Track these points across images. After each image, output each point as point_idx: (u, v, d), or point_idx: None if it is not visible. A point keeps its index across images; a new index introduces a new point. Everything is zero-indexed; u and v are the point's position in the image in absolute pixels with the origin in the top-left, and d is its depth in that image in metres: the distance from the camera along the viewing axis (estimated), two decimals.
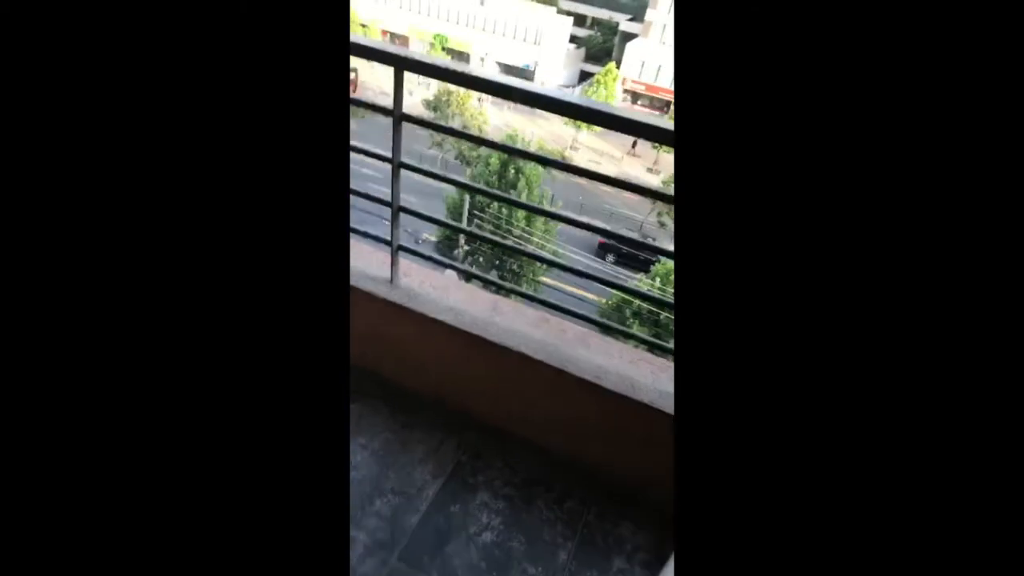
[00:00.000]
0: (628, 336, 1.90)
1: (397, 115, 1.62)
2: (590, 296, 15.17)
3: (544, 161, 1.63)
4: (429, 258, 2.11)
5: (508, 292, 2.27)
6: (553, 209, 11.02)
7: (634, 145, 27.06)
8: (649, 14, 33.64)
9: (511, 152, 1.62)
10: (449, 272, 12.79)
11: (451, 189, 13.85)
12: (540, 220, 13.22)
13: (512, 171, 12.59)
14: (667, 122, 1.38)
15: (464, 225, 12.69)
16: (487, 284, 12.14)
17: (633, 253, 18.70)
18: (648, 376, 1.80)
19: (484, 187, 1.99)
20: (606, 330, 2.06)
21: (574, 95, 1.44)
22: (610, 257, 18.84)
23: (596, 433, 1.86)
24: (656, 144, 25.35)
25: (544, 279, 13.62)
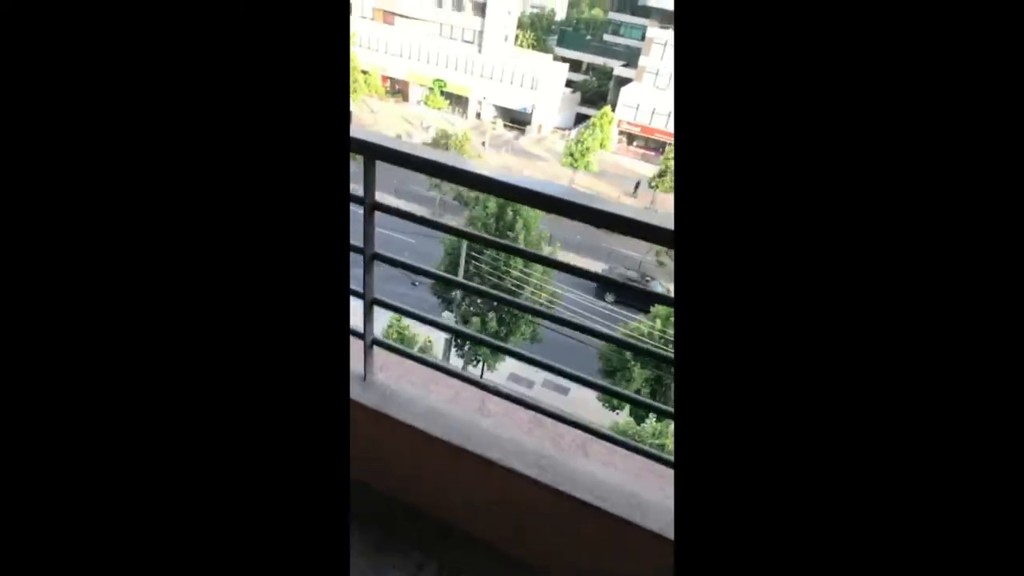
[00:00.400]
0: (633, 449, 1.66)
1: (369, 204, 1.45)
2: (590, 339, 14.88)
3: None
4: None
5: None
6: (549, 251, 10.86)
7: (636, 187, 27.34)
8: (642, 60, 34.79)
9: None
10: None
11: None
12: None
13: (510, 213, 12.56)
14: (658, 219, 1.21)
15: (462, 266, 12.61)
16: (475, 344, 11.99)
17: (634, 292, 18.54)
18: (657, 492, 1.56)
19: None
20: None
21: (559, 188, 1.24)
22: (609, 296, 18.68)
23: (597, 560, 1.60)
24: (654, 183, 25.81)
25: (543, 322, 13.40)
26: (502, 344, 1.98)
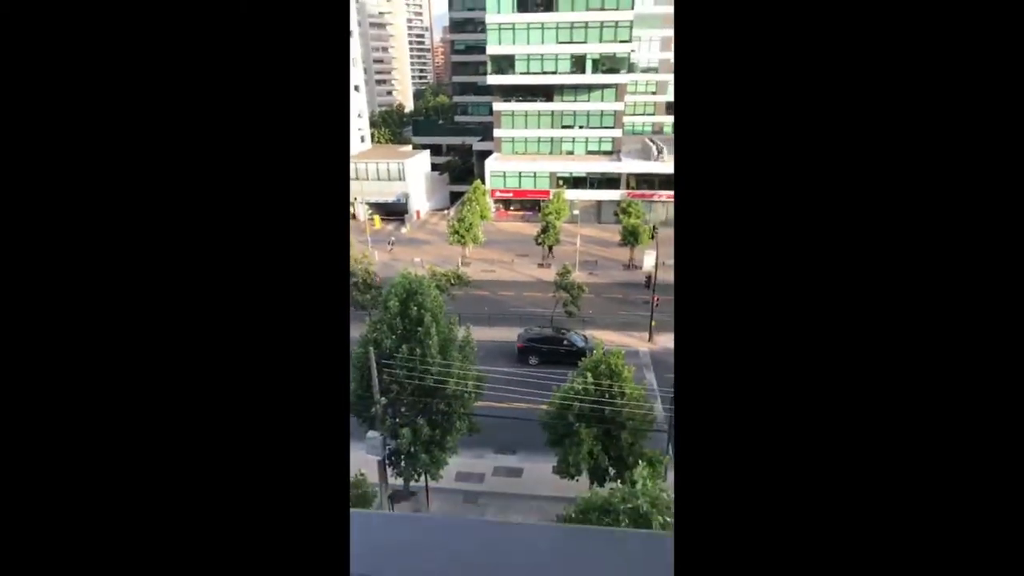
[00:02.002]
0: None
1: None
2: (523, 406, 14.47)
3: None
4: None
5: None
6: (464, 334, 10.46)
7: (550, 253, 28.20)
8: (496, 131, 37.38)
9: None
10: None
11: (351, 342, 12.93)
12: (454, 349, 12.60)
13: (414, 308, 12.04)
14: None
15: (375, 377, 11.70)
16: (410, 456, 10.96)
17: (554, 349, 18.57)
18: None
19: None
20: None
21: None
22: (532, 359, 18.53)
23: None
24: (541, 241, 26.92)
25: (476, 404, 12.70)
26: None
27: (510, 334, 19.98)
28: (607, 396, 11.32)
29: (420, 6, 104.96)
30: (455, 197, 39.13)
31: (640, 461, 9.61)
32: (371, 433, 11.58)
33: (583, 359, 12.25)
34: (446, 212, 36.90)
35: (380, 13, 75.91)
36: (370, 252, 25.80)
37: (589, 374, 11.47)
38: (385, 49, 78.10)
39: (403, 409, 12.19)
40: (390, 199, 35.58)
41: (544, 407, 12.45)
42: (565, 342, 18.76)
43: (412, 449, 11.42)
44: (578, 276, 23.07)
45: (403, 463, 11.92)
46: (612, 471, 11.57)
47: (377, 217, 35.17)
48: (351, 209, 35.56)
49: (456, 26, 49.40)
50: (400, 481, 12.54)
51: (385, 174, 35.49)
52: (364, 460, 11.74)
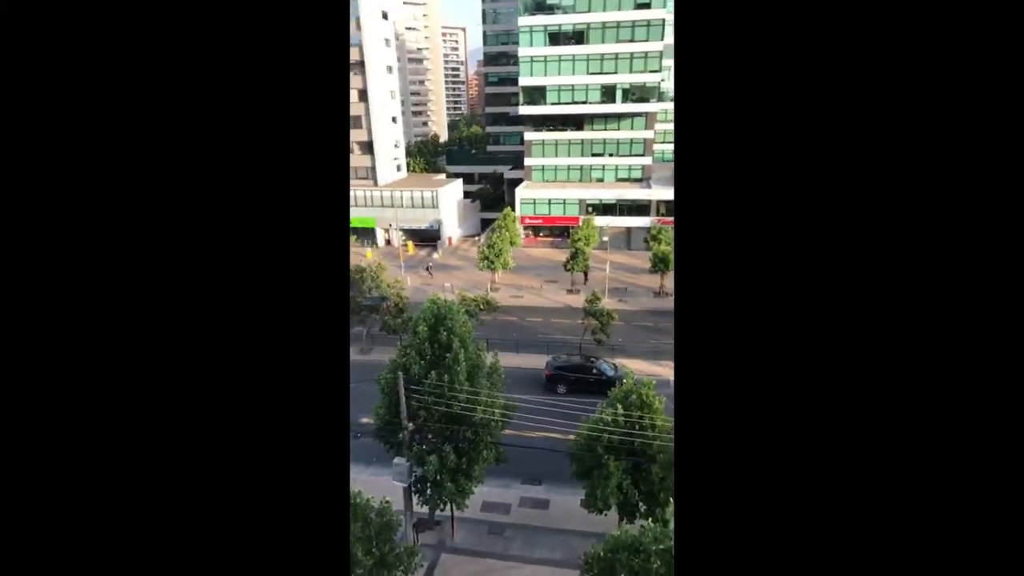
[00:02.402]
0: None
1: None
2: (552, 435, 14.19)
3: None
4: None
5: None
6: (491, 360, 10.44)
7: (585, 279, 28.21)
8: (526, 160, 37.96)
9: None
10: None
11: (380, 367, 13.07)
12: (482, 375, 12.57)
13: (443, 333, 12.12)
14: None
15: (403, 403, 11.74)
16: (436, 484, 10.91)
17: (583, 378, 18.28)
18: None
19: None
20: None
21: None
22: (561, 387, 18.28)
23: None
24: (571, 267, 26.86)
25: (503, 432, 12.56)
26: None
27: (538, 361, 19.82)
28: (637, 428, 11.03)
29: (456, 42, 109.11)
30: (486, 224, 39.67)
31: (672, 498, 9.24)
32: (397, 459, 11.58)
33: (613, 389, 12.00)
34: (477, 238, 37.39)
35: (419, 49, 79.24)
36: (403, 277, 26.29)
37: (619, 404, 11.22)
38: (422, 82, 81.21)
39: (430, 436, 12.17)
40: (424, 226, 36.38)
41: (572, 438, 12.21)
42: (594, 371, 18.46)
43: (438, 477, 11.34)
44: (608, 303, 22.84)
45: (429, 491, 11.83)
46: (642, 507, 11.16)
47: (411, 243, 35.95)
48: (387, 235, 36.51)
49: (490, 59, 51.02)
50: (425, 509, 12.43)
51: (419, 202, 36.39)
52: (390, 487, 11.73)
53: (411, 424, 11.76)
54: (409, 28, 76.04)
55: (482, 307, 21.53)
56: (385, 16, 36.26)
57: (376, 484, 12.88)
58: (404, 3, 74.09)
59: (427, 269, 31.14)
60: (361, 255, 33.40)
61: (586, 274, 28.10)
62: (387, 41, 36.76)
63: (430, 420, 11.88)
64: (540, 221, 36.61)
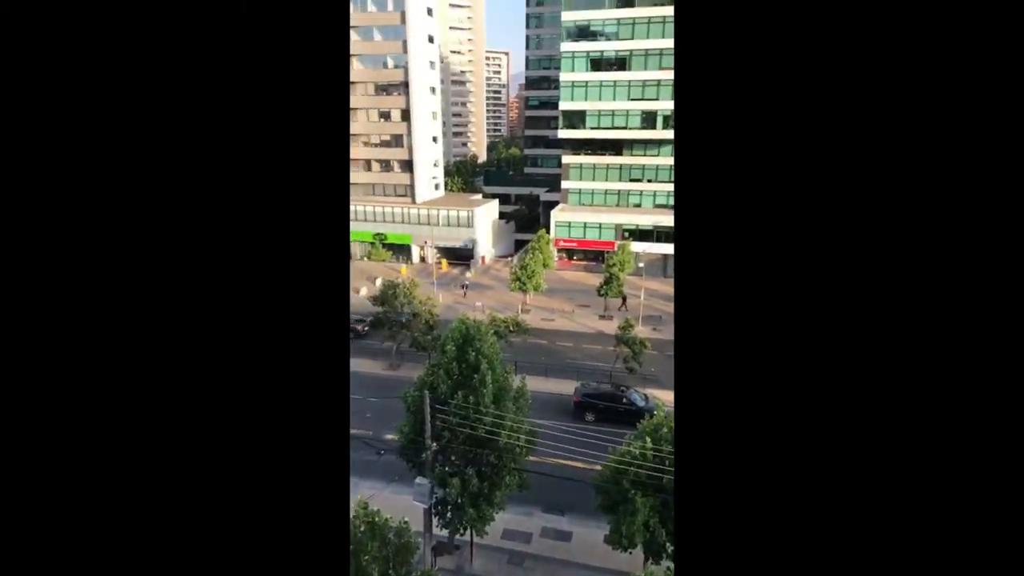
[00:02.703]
0: None
1: None
2: (578, 465, 13.78)
3: None
4: None
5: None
6: (518, 384, 10.20)
7: (623, 305, 27.89)
8: (563, 183, 38.09)
9: None
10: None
11: (407, 383, 13.06)
12: (508, 399, 12.37)
13: (471, 353, 12.04)
14: None
15: (428, 422, 11.66)
16: (457, 508, 10.71)
17: (612, 407, 17.80)
18: None
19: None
20: None
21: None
22: (589, 416, 17.83)
23: None
24: (604, 292, 26.49)
25: (527, 458, 12.26)
26: None
27: (566, 387, 19.46)
28: (667, 463, 10.55)
29: (499, 65, 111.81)
30: (520, 245, 39.78)
31: None
32: (419, 480, 11.44)
33: (643, 420, 11.59)
34: (510, 259, 37.50)
35: (462, 72, 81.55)
36: (435, 294, 26.53)
37: (648, 437, 10.80)
38: (464, 104, 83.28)
39: (453, 457, 12.00)
40: (458, 244, 36.79)
41: (598, 468, 11.80)
42: (624, 400, 17.96)
43: (459, 500, 11.13)
44: (641, 331, 22.32)
45: (449, 514, 11.61)
46: (670, 547, 10.60)
47: (444, 261, 36.37)
48: (421, 252, 37.07)
49: (531, 83, 51.90)
50: (445, 532, 12.20)
51: (455, 220, 36.90)
52: (410, 507, 11.58)
53: (435, 444, 11.64)
54: (454, 52, 78.45)
55: (512, 328, 21.41)
56: (431, 40, 37.50)
57: (396, 502, 12.75)
58: (451, 28, 76.66)
59: (463, 288, 31.33)
60: (396, 271, 33.95)
61: (624, 300, 27.64)
62: (432, 64, 37.92)
63: (454, 441, 11.73)
64: (575, 244, 36.45)
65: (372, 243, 37.37)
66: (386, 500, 12.97)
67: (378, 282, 25.48)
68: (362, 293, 29.78)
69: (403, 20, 34.62)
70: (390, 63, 35.84)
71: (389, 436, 14.98)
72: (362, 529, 8.50)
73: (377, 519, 8.66)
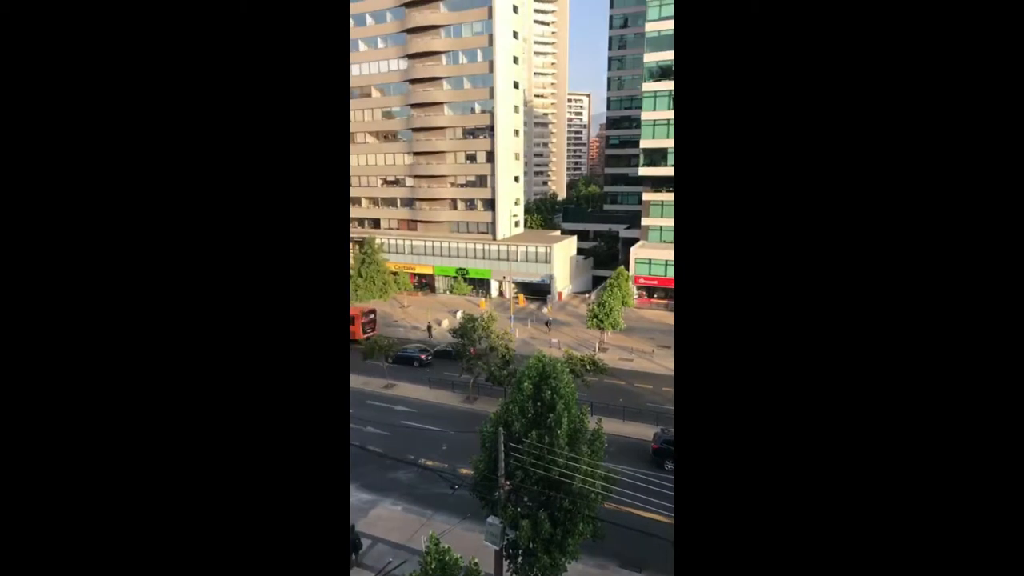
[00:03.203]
0: None
1: None
2: (657, 517, 12.89)
3: None
4: None
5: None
6: (595, 426, 9.85)
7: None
8: (643, 220, 37.45)
9: None
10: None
11: (482, 417, 13.13)
12: (584, 441, 12.00)
13: (547, 392, 11.90)
14: None
15: (501, 460, 11.56)
16: (528, 553, 10.38)
17: None
18: None
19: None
20: None
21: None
22: (668, 464, 16.79)
23: None
24: None
25: (602, 506, 11.69)
26: None
27: (645, 431, 18.54)
28: None
29: (581, 106, 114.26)
30: (598, 281, 39.34)
31: None
32: (492, 519, 11.31)
33: None
34: (588, 295, 37.13)
35: (545, 114, 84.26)
36: (512, 328, 26.78)
37: None
38: (546, 144, 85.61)
39: (526, 499, 11.76)
40: (535, 280, 37.15)
41: None
42: None
43: (531, 545, 10.82)
44: None
45: (520, 559, 11.30)
46: None
47: (522, 296, 36.79)
48: (500, 287, 37.84)
49: (612, 123, 52.35)
50: None
51: (533, 256, 37.42)
52: (481, 547, 11.43)
53: (508, 483, 11.50)
54: (538, 95, 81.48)
55: (589, 368, 20.95)
56: (516, 85, 39.30)
57: (468, 540, 12.64)
58: (536, 74, 79.94)
59: (546, 324, 31.34)
60: (475, 304, 34.82)
61: None
62: (516, 107, 39.59)
63: (527, 482, 11.52)
64: (655, 282, 35.39)
65: (454, 277, 38.81)
66: (458, 537, 12.93)
67: (458, 315, 26.27)
68: (444, 325, 30.75)
69: (491, 69, 36.71)
70: (477, 108, 37.93)
71: (463, 470, 15.03)
72: (432, 566, 8.51)
73: (448, 557, 8.64)
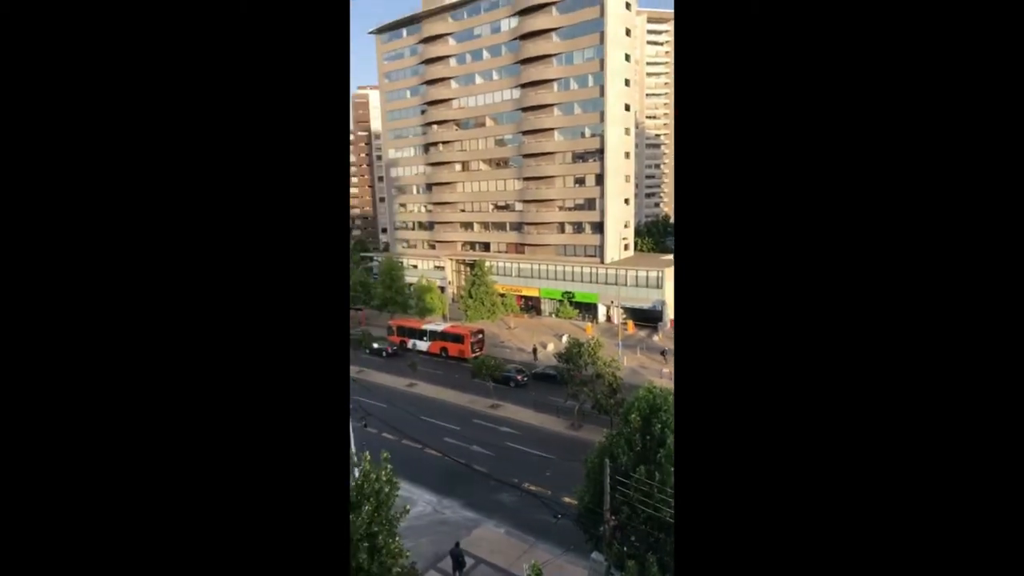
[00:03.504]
0: None
1: None
2: None
3: None
4: None
5: None
6: None
7: None
8: None
9: None
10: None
11: (588, 446, 12.66)
12: None
13: (657, 426, 11.20)
14: None
15: (607, 493, 11.01)
16: None
17: None
18: None
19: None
20: None
21: None
22: None
23: None
24: None
25: None
26: None
27: None
28: None
29: None
30: None
31: None
32: (596, 555, 10.77)
33: None
34: None
35: (657, 135, 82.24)
36: (619, 356, 25.87)
37: None
38: (658, 166, 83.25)
39: (632, 537, 11.04)
40: (646, 306, 35.71)
41: None
42: None
43: None
44: None
45: None
46: None
47: (631, 322, 35.54)
48: (607, 311, 36.97)
49: None
50: None
51: (643, 281, 36.10)
52: None
53: (613, 519, 10.90)
54: (650, 116, 79.85)
55: None
56: (627, 108, 38.83)
57: (569, 573, 12.14)
58: (648, 95, 78.64)
59: (661, 354, 29.99)
60: (581, 328, 34.34)
61: None
62: (627, 130, 39.05)
63: (634, 519, 10.82)
64: None
65: (561, 300, 38.75)
66: (560, 570, 12.49)
67: (564, 339, 26.08)
68: (549, 348, 30.69)
69: (602, 93, 36.77)
70: (587, 132, 38.08)
71: (567, 499, 14.61)
72: None
73: None
